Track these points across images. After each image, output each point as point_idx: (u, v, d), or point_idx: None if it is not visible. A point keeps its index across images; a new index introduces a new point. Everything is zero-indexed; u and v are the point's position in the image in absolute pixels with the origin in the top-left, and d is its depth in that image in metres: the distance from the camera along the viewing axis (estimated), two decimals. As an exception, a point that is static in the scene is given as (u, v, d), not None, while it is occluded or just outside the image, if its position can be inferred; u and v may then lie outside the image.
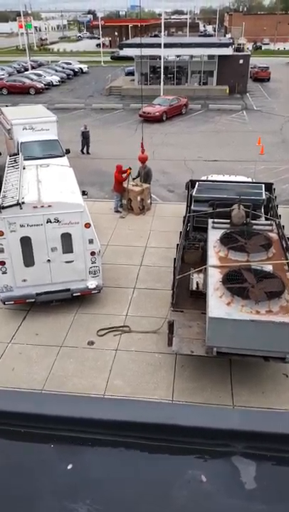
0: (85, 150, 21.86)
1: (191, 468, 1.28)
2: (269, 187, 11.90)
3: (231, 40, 43.69)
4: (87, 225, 9.34)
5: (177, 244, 9.78)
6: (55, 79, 43.69)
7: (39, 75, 43.03)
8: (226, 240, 8.78)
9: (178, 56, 39.02)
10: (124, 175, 14.83)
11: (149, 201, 15.24)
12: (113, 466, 1.28)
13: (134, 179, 15.39)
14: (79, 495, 1.19)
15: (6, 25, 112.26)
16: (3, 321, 9.75)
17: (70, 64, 52.12)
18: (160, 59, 34.90)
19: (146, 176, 15.40)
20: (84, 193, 10.50)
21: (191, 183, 12.35)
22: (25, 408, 1.38)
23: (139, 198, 14.89)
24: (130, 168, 14.99)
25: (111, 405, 1.46)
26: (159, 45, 34.43)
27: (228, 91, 37.41)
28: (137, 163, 15.70)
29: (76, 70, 50.78)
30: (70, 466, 1.27)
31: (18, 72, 47.83)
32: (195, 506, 1.21)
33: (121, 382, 7.95)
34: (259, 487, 1.24)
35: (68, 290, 9.77)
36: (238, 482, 1.24)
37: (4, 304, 9.62)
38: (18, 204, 8.80)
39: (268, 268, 7.92)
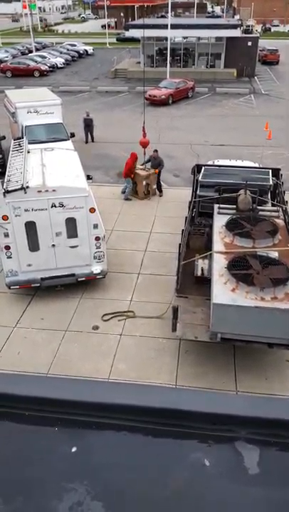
0: (89, 139, 20.72)
1: (194, 452, 1.28)
2: (276, 172, 11.75)
3: (240, 22, 42.56)
4: (92, 210, 9.31)
5: (182, 230, 9.73)
6: (59, 61, 43.01)
7: (43, 57, 42.37)
8: (231, 226, 8.73)
9: (185, 38, 38.19)
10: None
11: (154, 187, 15.12)
12: (116, 450, 1.28)
13: (142, 164, 15.22)
14: (82, 477, 1.20)
15: (10, 5, 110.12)
16: (9, 305, 9.83)
17: (74, 46, 51.24)
18: (167, 41, 34.20)
19: (157, 164, 15.14)
20: (88, 178, 10.44)
21: (197, 168, 12.22)
22: (30, 391, 1.38)
23: (144, 183, 14.78)
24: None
25: (115, 389, 1.46)
26: (165, 26, 33.68)
27: (235, 74, 36.69)
28: (138, 148, 15.51)
29: (81, 51, 49.94)
30: (74, 449, 1.28)
31: (22, 54, 47.12)
32: (198, 490, 1.22)
33: (125, 367, 8.03)
34: (262, 472, 1.24)
35: (73, 275, 9.80)
36: (242, 467, 1.25)
37: (10, 288, 9.67)
38: (22, 188, 8.76)
39: (274, 255, 7.87)
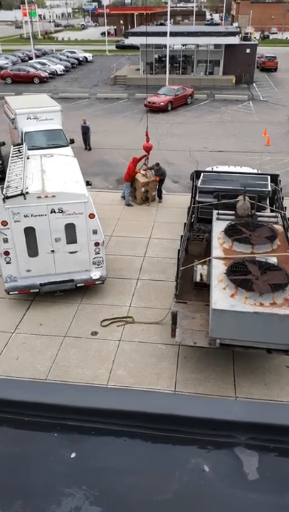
0: (87, 146, 20.47)
1: (194, 458, 1.28)
2: (275, 178, 11.81)
3: (238, 29, 42.97)
4: (91, 216, 9.33)
5: (181, 236, 9.75)
6: (59, 68, 43.28)
7: (43, 64, 42.64)
8: (230, 232, 8.75)
9: (184, 45, 38.48)
10: (141, 165, 14.69)
11: (154, 193, 15.15)
12: (116, 456, 1.28)
13: (147, 169, 15.19)
14: (81, 483, 1.20)
15: (11, 13, 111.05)
16: (8, 310, 9.81)
17: (74, 53, 51.60)
18: (166, 48, 34.46)
19: (160, 174, 15.16)
20: (88, 184, 10.47)
21: (196, 174, 12.27)
22: (29, 397, 1.38)
23: (143, 189, 14.82)
24: (147, 154, 14.93)
25: (115, 395, 1.46)
26: (164, 34, 33.95)
27: (234, 81, 36.94)
28: (143, 153, 15.58)
29: (81, 58, 50.27)
30: (73, 455, 1.27)
31: (23, 60, 47.42)
32: (197, 496, 1.21)
33: (124, 373, 8.00)
34: (261, 478, 1.24)
35: (72, 281, 9.80)
36: (241, 473, 1.25)
37: (8, 293, 9.66)
38: (22, 194, 8.79)
39: (273, 260, 7.88)
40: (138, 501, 1.18)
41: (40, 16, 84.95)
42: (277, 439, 1.32)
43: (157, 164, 15.02)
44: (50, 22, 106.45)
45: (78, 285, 9.87)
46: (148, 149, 15.49)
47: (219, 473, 1.25)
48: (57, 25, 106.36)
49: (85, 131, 20.22)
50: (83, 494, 1.17)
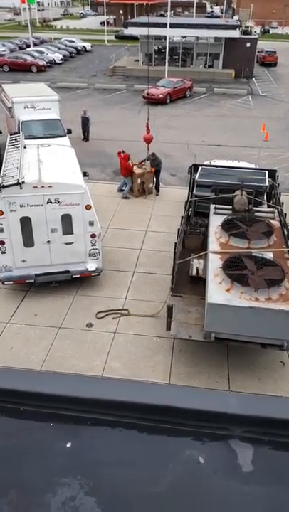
0: (86, 137, 20.36)
1: (189, 449, 1.29)
2: (272, 174, 11.80)
3: (239, 23, 42.62)
4: (88, 207, 9.28)
5: (178, 229, 9.74)
6: (57, 57, 42.76)
7: (41, 53, 42.07)
8: (227, 226, 8.74)
9: (184, 37, 38.13)
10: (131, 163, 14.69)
11: (151, 185, 15.10)
12: (111, 446, 1.28)
13: (141, 162, 15.13)
14: (76, 472, 1.20)
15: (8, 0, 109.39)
16: (2, 301, 9.78)
17: (73, 42, 50.93)
18: (165, 39, 34.13)
19: (156, 164, 15.07)
20: (85, 174, 10.40)
21: (194, 168, 12.23)
22: (25, 386, 1.38)
23: (139, 181, 14.75)
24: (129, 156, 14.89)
25: (112, 386, 1.46)
26: (164, 25, 33.61)
27: (233, 75, 36.72)
28: (142, 145, 15.51)
29: (79, 48, 49.68)
30: (69, 445, 1.27)
31: (20, 48, 46.75)
32: (192, 486, 1.22)
33: (119, 365, 8.02)
34: (256, 470, 1.24)
35: (68, 272, 9.77)
36: (236, 464, 1.25)
37: (3, 284, 9.62)
38: (18, 184, 8.71)
39: (269, 255, 7.90)
40: (133, 491, 1.18)
41: (38, 3, 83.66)
42: (272, 432, 1.33)
43: (153, 154, 14.93)
44: (63, 7, 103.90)
45: (74, 276, 9.85)
46: (148, 141, 15.42)
47: (214, 465, 1.26)
48: (65, 13, 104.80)
49: (85, 122, 20.15)
50: (78, 484, 1.17)
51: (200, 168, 11.92)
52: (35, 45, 47.62)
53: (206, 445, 1.31)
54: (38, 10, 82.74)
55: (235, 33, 36.47)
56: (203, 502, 1.19)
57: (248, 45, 36.94)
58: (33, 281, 9.69)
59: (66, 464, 1.23)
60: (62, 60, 43.09)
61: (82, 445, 1.28)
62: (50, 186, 8.98)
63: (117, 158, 15.09)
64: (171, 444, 1.32)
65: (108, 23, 67.53)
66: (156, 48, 38.81)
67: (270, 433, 1.34)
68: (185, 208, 10.92)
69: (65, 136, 15.85)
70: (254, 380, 7.76)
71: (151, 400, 1.36)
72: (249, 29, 43.29)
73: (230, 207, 9.69)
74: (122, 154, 14.86)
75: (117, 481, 1.20)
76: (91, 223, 9.41)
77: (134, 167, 14.80)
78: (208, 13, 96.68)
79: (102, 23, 68.88)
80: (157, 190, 15.22)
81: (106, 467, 1.22)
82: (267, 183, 10.84)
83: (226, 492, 1.21)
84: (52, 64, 40.92)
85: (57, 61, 42.07)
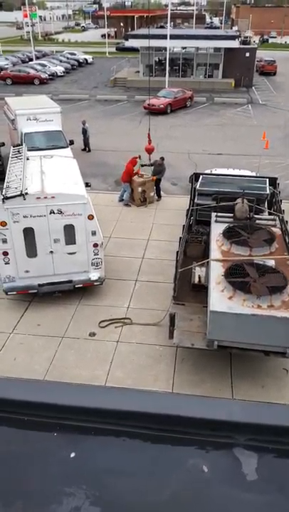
0: (87, 147, 20.59)
1: (193, 458, 1.29)
2: (273, 182, 11.85)
3: (238, 33, 43.20)
4: (90, 217, 9.33)
5: (180, 238, 9.77)
6: (59, 69, 43.34)
7: (43, 65, 42.68)
8: (228, 234, 8.76)
9: (184, 48, 38.61)
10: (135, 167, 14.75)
11: (152, 194, 15.17)
12: (115, 455, 1.28)
13: (143, 165, 15.18)
14: (81, 482, 1.20)
15: (11, 14, 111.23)
16: (6, 311, 9.79)
17: (74, 54, 51.68)
18: (166, 50, 34.55)
19: (158, 172, 15.17)
20: (87, 185, 10.48)
21: (195, 177, 12.30)
22: (29, 397, 1.39)
23: (140, 189, 14.82)
24: (140, 156, 14.92)
25: (115, 395, 1.46)
26: (164, 37, 34.06)
27: (233, 84, 37.06)
28: (143, 155, 15.61)
29: (81, 60, 50.36)
30: (72, 455, 1.28)
31: (23, 62, 47.46)
32: (196, 496, 1.22)
33: (121, 374, 7.99)
34: (260, 479, 1.24)
35: (70, 281, 9.79)
36: (240, 473, 1.25)
37: (7, 294, 9.65)
38: (21, 195, 8.79)
39: (271, 263, 7.90)
40: (137, 501, 1.19)
41: (40, 17, 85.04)
42: (277, 440, 1.32)
43: (162, 158, 14.98)
44: (65, 21, 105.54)
45: (77, 286, 9.86)
46: (150, 151, 15.53)
47: (218, 474, 1.26)
48: (67, 27, 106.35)
49: (84, 133, 20.38)
50: (83, 494, 1.17)
51: (201, 176, 11.99)
52: (37, 58, 48.33)
53: (210, 454, 1.31)
54: (41, 22, 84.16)
55: (235, 43, 36.91)
56: (207, 511, 1.19)
57: (248, 54, 37.36)
58: (36, 291, 9.71)
59: (70, 473, 1.24)
60: (64, 72, 43.68)
61: (86, 455, 1.28)
62: (52, 197, 9.05)
63: (124, 167, 15.06)
64: (174, 453, 1.32)
65: (109, 35, 68.48)
66: (157, 59, 39.29)
67: (274, 441, 1.34)
68: (186, 216, 10.97)
69: (67, 147, 16.02)
70: (257, 387, 7.71)
71: (155, 409, 1.36)
72: (248, 39, 43.77)
73: (232, 215, 9.72)
74: (137, 160, 14.86)
75: (121, 490, 1.20)
76: (93, 233, 9.45)
77: (135, 176, 14.88)
78: (208, 24, 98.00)
79: (103, 36, 69.87)
80: (158, 196, 15.29)
81: (110, 476, 1.23)
82: (268, 191, 10.88)
83: (231, 501, 1.21)
84: (54, 76, 41.47)
85: (59, 74, 42.64)
